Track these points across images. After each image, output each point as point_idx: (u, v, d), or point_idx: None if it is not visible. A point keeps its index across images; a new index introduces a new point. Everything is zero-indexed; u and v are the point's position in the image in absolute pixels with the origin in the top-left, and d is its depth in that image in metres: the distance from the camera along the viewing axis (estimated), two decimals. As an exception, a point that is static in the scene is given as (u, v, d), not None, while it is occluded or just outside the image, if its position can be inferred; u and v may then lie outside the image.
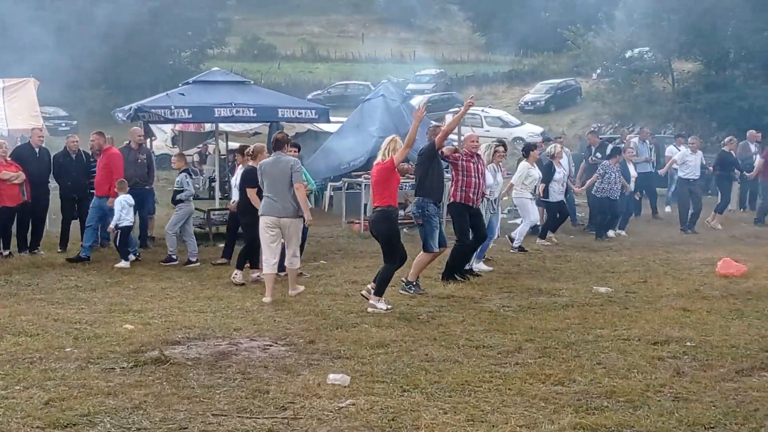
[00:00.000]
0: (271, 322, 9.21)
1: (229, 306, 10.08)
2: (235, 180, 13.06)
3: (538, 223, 15.89)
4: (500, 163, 13.27)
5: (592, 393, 6.62)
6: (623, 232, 16.98)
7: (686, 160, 17.82)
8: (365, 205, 18.67)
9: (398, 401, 6.41)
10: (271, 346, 8.18)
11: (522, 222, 15.34)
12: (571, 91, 47.16)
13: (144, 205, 15.00)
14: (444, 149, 11.20)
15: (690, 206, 17.65)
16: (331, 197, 20.87)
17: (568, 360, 7.60)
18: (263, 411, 6.24)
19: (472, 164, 11.47)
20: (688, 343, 8.12)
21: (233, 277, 11.76)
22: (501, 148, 13.22)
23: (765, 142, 23.39)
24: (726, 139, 19.83)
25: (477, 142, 11.84)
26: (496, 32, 70.51)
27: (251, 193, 11.64)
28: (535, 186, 15.25)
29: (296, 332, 8.72)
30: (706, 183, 23.72)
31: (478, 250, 12.56)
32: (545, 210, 16.49)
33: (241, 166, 12.90)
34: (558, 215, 16.25)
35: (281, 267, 11.24)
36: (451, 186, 11.67)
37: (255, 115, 16.30)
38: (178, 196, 13.36)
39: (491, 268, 12.88)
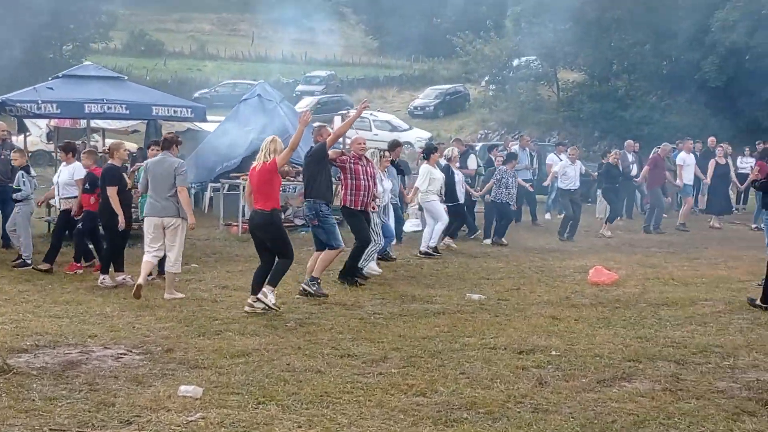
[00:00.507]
0: (130, 328, 8.81)
1: (87, 311, 9.63)
2: (57, 178, 12.63)
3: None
4: (386, 169, 13.27)
5: (453, 404, 6.48)
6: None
7: (566, 170, 18.01)
8: (243, 207, 18.30)
9: (251, 414, 6.13)
10: (125, 354, 7.79)
11: (436, 224, 15.17)
12: (460, 97, 47.66)
13: (8, 202, 14.27)
14: (330, 152, 11.05)
15: (571, 214, 17.83)
16: (210, 198, 20.39)
17: (432, 370, 7.45)
18: (106, 425, 5.88)
19: (360, 167, 11.37)
20: (554, 352, 8.08)
21: (101, 282, 11.26)
22: (387, 154, 13.18)
23: (642, 152, 23.98)
24: (612, 152, 20.10)
25: (364, 144, 11.72)
26: (389, 36, 70.90)
27: (111, 192, 11.17)
28: (441, 187, 15.27)
29: (155, 340, 8.34)
30: (587, 191, 24.24)
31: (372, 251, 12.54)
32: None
33: (65, 164, 12.51)
34: (456, 219, 16.22)
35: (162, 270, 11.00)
36: (341, 190, 11.51)
37: (128, 112, 15.78)
38: (14, 196, 12.76)
39: (380, 271, 12.79)
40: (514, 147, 22.14)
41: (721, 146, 21.68)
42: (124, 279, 11.33)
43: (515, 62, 42.97)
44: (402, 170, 15.31)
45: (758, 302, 10.38)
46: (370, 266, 12.53)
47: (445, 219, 15.18)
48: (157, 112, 15.86)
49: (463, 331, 8.98)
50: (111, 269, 11.49)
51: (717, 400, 6.67)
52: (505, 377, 7.22)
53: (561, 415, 6.26)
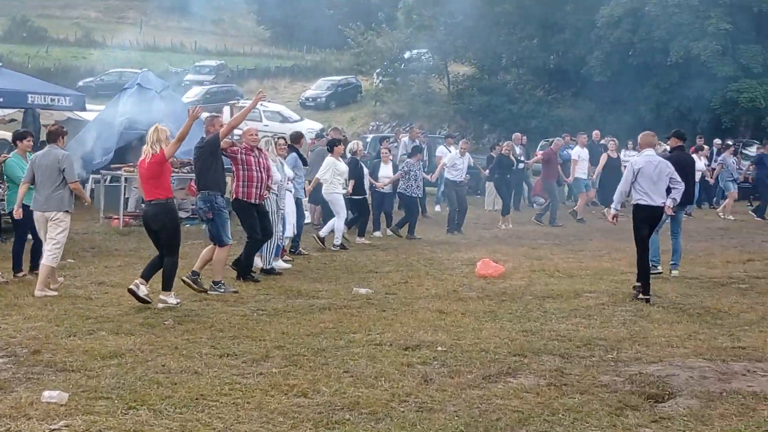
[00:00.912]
0: (-5, 329, 8.29)
1: (-50, 311, 9.03)
2: None
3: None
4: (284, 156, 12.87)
5: (336, 405, 6.25)
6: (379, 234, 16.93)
7: (455, 162, 17.98)
8: (126, 199, 17.70)
9: (121, 421, 5.78)
10: (-13, 357, 7.30)
11: (335, 218, 14.95)
12: (352, 88, 47.47)
13: None
14: (223, 143, 10.65)
15: (456, 207, 17.84)
16: (92, 190, 19.64)
17: (315, 368, 7.21)
18: (-41, 437, 5.45)
19: (252, 158, 10.98)
20: (439, 348, 7.95)
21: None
22: (282, 141, 12.82)
23: (530, 146, 24.27)
24: (504, 143, 20.26)
25: (256, 135, 11.35)
26: (281, 27, 70.23)
27: None
28: (345, 180, 15.00)
29: (21, 341, 7.86)
30: (476, 183, 24.42)
31: (274, 247, 12.20)
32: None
33: None
34: (362, 214, 15.98)
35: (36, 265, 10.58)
36: (233, 182, 11.15)
37: (1, 99, 14.97)
38: None
39: (289, 266, 12.55)
40: (404, 139, 22.04)
41: (613, 140, 22.06)
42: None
43: (407, 55, 43.01)
44: (306, 162, 14.90)
45: (640, 296, 10.50)
46: (279, 264, 12.28)
47: (344, 214, 14.95)
48: (33, 100, 15.16)
49: (349, 327, 8.77)
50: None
51: (601, 394, 6.63)
52: (389, 375, 7.04)
53: (446, 414, 6.11)
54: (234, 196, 11.10)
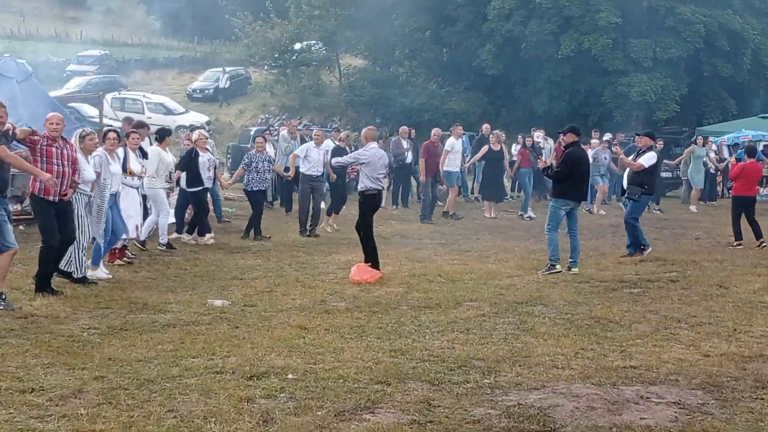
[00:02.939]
0: None
1: None
2: None
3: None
4: (114, 152, 11.32)
5: (147, 458, 5.06)
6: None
7: (308, 154, 16.07)
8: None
9: None
10: None
11: (159, 216, 13.58)
12: (242, 80, 45.94)
13: None
14: (18, 131, 9.21)
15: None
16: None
17: (134, 407, 5.99)
18: None
19: (55, 149, 9.51)
20: (290, 376, 6.81)
21: None
22: (113, 134, 11.25)
23: (418, 140, 23.28)
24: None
25: (59, 124, 9.68)
26: (171, 17, 67.96)
27: None
28: (170, 173, 13.72)
29: None
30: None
31: (100, 251, 10.99)
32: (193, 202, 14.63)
33: None
34: (201, 207, 14.61)
35: None
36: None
37: None
38: None
39: (109, 276, 11.08)
40: (283, 133, 20.86)
41: (494, 133, 21.29)
42: None
43: (297, 46, 41.72)
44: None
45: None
46: (96, 273, 10.89)
47: (167, 211, 13.70)
48: None
49: (190, 350, 7.55)
50: None
51: (471, 433, 5.62)
52: (223, 414, 5.87)
53: (280, 468, 4.99)
54: (30, 191, 9.74)
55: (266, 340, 7.98)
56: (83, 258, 10.48)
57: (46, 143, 9.44)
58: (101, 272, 11.00)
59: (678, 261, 13.27)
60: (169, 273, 11.60)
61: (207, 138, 15.06)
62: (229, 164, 26.06)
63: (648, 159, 13.67)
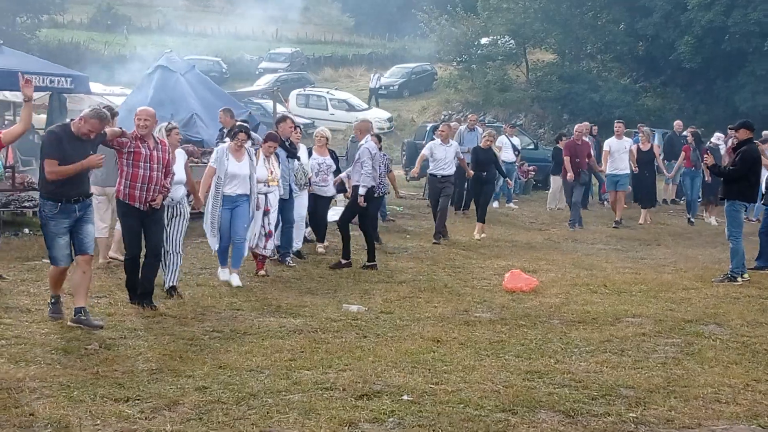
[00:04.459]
0: None
1: None
2: None
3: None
4: (240, 152, 10.14)
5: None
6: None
7: (434, 152, 14.54)
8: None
9: None
10: None
11: None
12: (426, 76, 45.52)
13: None
14: (108, 131, 8.25)
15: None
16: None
17: (225, 425, 5.47)
18: None
19: (143, 151, 8.42)
20: (405, 397, 6.10)
21: None
22: (242, 135, 10.16)
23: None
24: (485, 133, 17.36)
25: (148, 119, 8.47)
26: (364, 15, 68.71)
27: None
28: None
29: None
30: (544, 178, 22.53)
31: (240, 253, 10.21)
32: None
33: None
34: None
35: None
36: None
37: (-8, 81, 13.65)
38: None
39: (240, 285, 9.93)
40: (461, 128, 20.06)
41: (643, 130, 19.50)
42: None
43: (483, 41, 40.83)
44: (294, 153, 11.88)
45: None
46: (226, 275, 10.17)
47: (300, 216, 12.30)
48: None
49: (307, 361, 6.97)
50: None
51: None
52: (317, 440, 5.23)
53: None
54: (116, 197, 8.82)
55: (391, 352, 7.29)
56: (179, 267, 9.47)
57: (134, 146, 8.40)
58: (233, 276, 10.10)
59: None
60: (314, 273, 11.12)
61: (324, 137, 12.90)
62: (404, 161, 25.60)
63: None
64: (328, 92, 39.01)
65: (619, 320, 8.76)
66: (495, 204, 20.24)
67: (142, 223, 8.59)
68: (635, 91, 38.53)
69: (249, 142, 10.40)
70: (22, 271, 10.23)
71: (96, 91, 23.02)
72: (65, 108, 18.42)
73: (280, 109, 29.03)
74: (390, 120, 36.26)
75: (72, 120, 8.09)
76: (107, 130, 8.24)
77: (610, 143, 17.72)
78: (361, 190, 11.68)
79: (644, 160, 18.21)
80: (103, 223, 10.63)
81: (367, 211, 11.99)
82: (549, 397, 6.21)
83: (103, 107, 8.89)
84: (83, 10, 66.53)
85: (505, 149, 20.32)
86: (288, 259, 11.56)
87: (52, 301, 8.15)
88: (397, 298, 9.68)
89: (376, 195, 12.11)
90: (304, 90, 39.65)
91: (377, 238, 12.85)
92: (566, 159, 16.85)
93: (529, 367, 6.97)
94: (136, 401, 5.89)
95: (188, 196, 9.76)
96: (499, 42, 40.06)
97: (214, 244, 10.17)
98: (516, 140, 21.23)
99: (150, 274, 8.76)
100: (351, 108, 37.19)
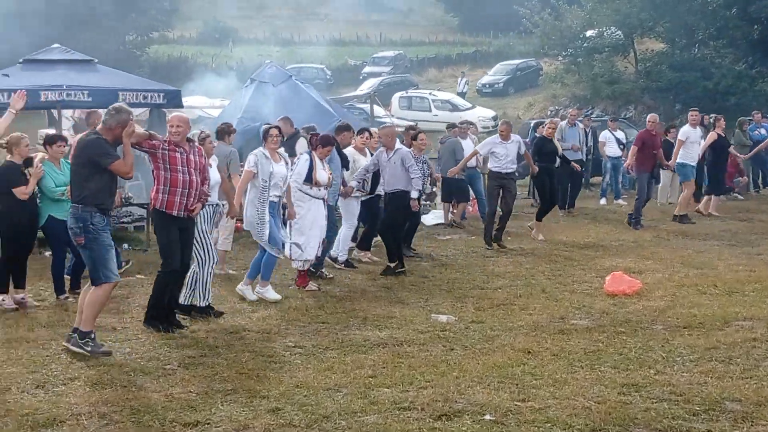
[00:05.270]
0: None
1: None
2: None
3: None
4: (276, 152, 9.81)
5: None
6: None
7: (494, 149, 13.60)
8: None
9: None
10: None
11: (344, 227, 11.97)
12: (532, 72, 44.73)
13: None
14: (136, 132, 7.71)
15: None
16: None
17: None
18: None
19: (179, 155, 8.03)
20: (488, 416, 5.70)
21: (0, 303, 9.28)
22: (274, 131, 9.80)
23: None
24: (547, 122, 16.38)
25: (180, 126, 8.09)
26: (468, 13, 68.11)
27: (21, 192, 9.17)
28: (364, 181, 11.86)
29: None
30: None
31: (271, 265, 9.60)
32: None
33: None
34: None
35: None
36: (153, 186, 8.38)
37: (90, 99, 13.84)
38: None
39: (278, 297, 9.54)
40: (561, 123, 19.39)
41: (717, 117, 18.24)
42: (23, 298, 9.35)
43: (588, 33, 39.73)
44: (347, 163, 11.53)
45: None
46: (263, 292, 9.56)
47: (353, 223, 12.06)
48: (124, 97, 13.84)
49: (388, 377, 6.63)
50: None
51: None
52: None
53: None
54: (152, 205, 8.41)
55: (478, 366, 6.89)
56: (209, 282, 8.89)
57: (168, 148, 8.00)
58: (270, 292, 9.60)
59: None
60: (407, 281, 10.77)
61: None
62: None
63: None
64: (430, 93, 38.71)
65: (728, 324, 8.14)
66: (603, 200, 19.59)
67: (179, 233, 8.15)
68: (751, 77, 36.81)
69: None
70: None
71: (197, 104, 23.49)
72: (165, 122, 18.65)
73: (380, 112, 29.06)
74: (494, 118, 35.56)
75: (97, 128, 7.82)
76: (137, 132, 7.79)
77: (686, 132, 16.77)
78: (414, 194, 11.32)
79: (718, 145, 17.05)
80: None
81: (397, 217, 11.51)
82: (645, 413, 5.72)
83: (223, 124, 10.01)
84: (193, 26, 68.21)
85: (609, 144, 19.57)
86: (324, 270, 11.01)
87: (93, 336, 7.43)
88: (490, 306, 9.25)
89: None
90: (407, 92, 39.42)
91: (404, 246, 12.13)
92: (633, 148, 15.80)
93: (625, 380, 6.48)
94: (206, 426, 5.68)
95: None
96: (606, 33, 38.87)
97: (277, 252, 9.63)
98: (620, 134, 20.37)
99: (177, 291, 8.44)
100: (454, 108, 36.77)
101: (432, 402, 5.99)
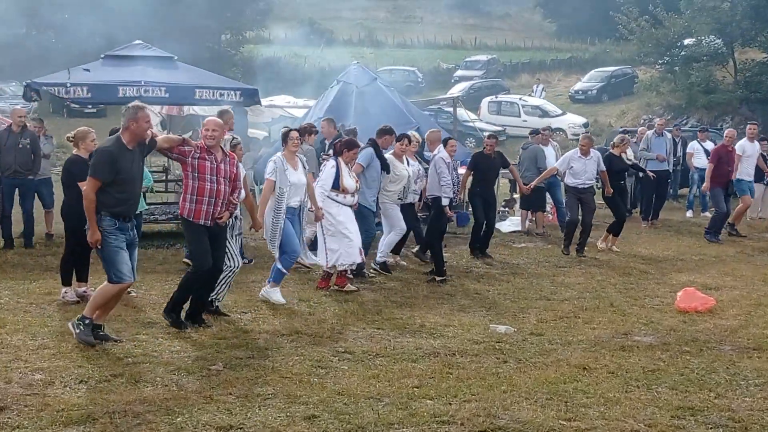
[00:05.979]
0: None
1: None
2: None
3: None
4: (295, 156, 9.66)
5: None
6: None
7: (572, 164, 13.35)
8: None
9: None
10: None
11: (392, 232, 11.64)
12: (627, 79, 43.72)
13: (25, 197, 12.90)
14: (161, 139, 7.85)
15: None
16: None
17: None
18: None
19: (209, 163, 7.92)
20: (528, 436, 5.47)
21: (63, 296, 9.40)
22: (294, 134, 9.70)
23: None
24: (618, 140, 15.68)
25: (216, 130, 7.97)
26: (566, 19, 67.14)
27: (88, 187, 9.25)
28: (404, 188, 11.65)
29: None
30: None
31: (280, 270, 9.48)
32: None
33: None
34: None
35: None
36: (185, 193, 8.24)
37: (167, 95, 13.94)
38: None
39: (283, 301, 9.31)
40: (648, 133, 18.81)
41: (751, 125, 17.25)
42: (85, 291, 9.44)
43: (686, 41, 38.60)
44: (387, 167, 11.32)
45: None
46: (270, 293, 9.38)
47: (401, 228, 11.65)
48: (201, 95, 13.93)
49: (432, 389, 6.44)
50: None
51: None
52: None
53: None
54: (180, 213, 8.31)
55: (529, 381, 6.64)
56: (228, 285, 8.81)
57: (198, 155, 7.91)
58: (276, 294, 9.35)
59: None
60: (471, 289, 10.54)
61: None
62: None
63: None
64: (520, 98, 38.23)
65: (804, 348, 7.69)
66: (689, 213, 18.97)
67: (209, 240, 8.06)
68: None
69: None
70: (168, 282, 10.19)
71: (280, 103, 23.56)
72: (246, 119, 18.85)
73: (465, 115, 28.75)
74: (585, 125, 34.90)
75: (119, 130, 7.77)
76: (159, 138, 7.87)
77: (743, 146, 16.00)
78: (444, 201, 11.37)
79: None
80: None
81: (438, 223, 11.46)
82: (697, 441, 5.40)
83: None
84: (289, 26, 68.87)
85: (697, 155, 18.95)
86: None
87: (88, 323, 7.47)
88: (553, 318, 8.96)
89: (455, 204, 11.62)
90: (496, 97, 39.01)
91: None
92: (710, 167, 15.29)
93: (682, 402, 6.15)
94: (238, 430, 5.58)
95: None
96: (704, 42, 37.71)
97: (287, 261, 9.51)
98: (709, 145, 19.63)
99: (205, 293, 8.34)
100: (545, 114, 36.23)
101: (473, 416, 5.78)
